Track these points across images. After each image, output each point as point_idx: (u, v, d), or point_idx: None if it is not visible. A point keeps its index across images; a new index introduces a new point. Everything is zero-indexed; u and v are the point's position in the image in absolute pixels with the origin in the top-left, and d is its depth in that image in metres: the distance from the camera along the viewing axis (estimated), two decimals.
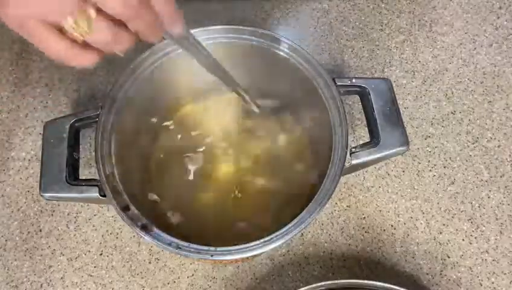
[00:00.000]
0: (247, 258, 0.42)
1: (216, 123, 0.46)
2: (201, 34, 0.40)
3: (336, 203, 0.46)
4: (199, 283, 0.43)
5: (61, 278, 0.43)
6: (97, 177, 0.36)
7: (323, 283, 0.39)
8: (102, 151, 0.37)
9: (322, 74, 0.39)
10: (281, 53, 0.40)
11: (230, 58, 0.43)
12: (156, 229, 0.34)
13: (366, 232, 0.45)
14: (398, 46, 0.53)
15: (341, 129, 0.37)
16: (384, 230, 0.45)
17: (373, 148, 0.37)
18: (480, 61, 0.53)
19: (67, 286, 0.43)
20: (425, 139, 0.49)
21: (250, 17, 0.54)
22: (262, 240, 0.33)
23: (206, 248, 0.33)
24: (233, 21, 0.54)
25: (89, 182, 0.36)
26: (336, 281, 0.39)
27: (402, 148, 0.38)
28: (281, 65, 0.41)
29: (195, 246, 0.33)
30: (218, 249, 0.33)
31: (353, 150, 0.37)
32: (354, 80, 0.39)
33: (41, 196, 0.36)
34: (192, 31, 0.39)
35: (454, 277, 0.43)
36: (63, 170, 0.36)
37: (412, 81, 0.52)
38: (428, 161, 0.48)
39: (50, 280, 0.43)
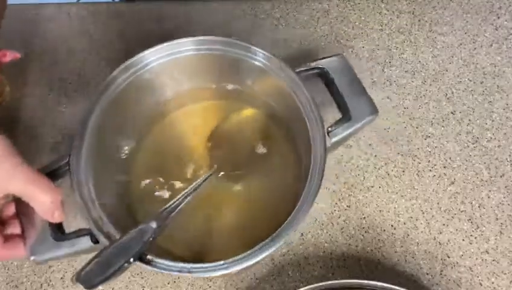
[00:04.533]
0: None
1: (193, 135, 0.46)
2: (171, 48, 0.40)
3: (336, 203, 0.46)
4: (199, 283, 0.43)
5: (61, 278, 0.43)
6: (83, 225, 0.35)
7: (323, 283, 0.39)
8: (84, 198, 0.35)
9: (292, 77, 0.39)
10: (256, 62, 0.40)
11: (202, 69, 0.43)
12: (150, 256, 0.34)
13: (366, 232, 0.45)
14: (398, 46, 0.53)
15: (313, 113, 0.38)
16: (384, 230, 0.45)
17: (346, 123, 0.39)
18: (480, 61, 0.53)
19: (67, 286, 0.43)
20: (425, 139, 0.49)
21: (250, 17, 0.55)
22: (255, 248, 0.33)
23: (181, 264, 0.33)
24: (233, 21, 0.54)
25: (79, 233, 0.35)
26: (336, 281, 0.39)
27: (372, 116, 0.39)
28: (256, 73, 0.41)
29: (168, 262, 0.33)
30: (195, 266, 0.33)
31: (329, 129, 0.38)
32: (311, 64, 0.40)
33: (33, 261, 0.35)
34: (159, 46, 0.40)
35: (454, 276, 0.43)
36: (46, 228, 0.35)
37: (412, 81, 0.52)
38: (428, 161, 0.48)
39: (50, 280, 0.43)
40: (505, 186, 0.47)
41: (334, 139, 0.38)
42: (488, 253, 0.44)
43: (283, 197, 0.41)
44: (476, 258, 0.44)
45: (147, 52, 0.40)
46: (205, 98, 0.46)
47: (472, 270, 0.43)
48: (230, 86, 0.45)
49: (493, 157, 0.48)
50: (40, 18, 0.54)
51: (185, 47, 0.41)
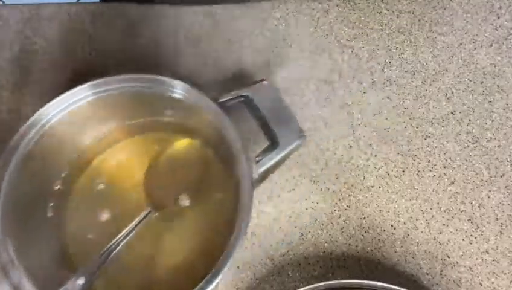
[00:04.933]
0: None
1: (126, 174, 0.43)
2: (78, 94, 0.39)
3: (336, 203, 0.46)
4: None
5: None
6: None
7: (323, 283, 0.39)
8: (2, 262, 0.34)
9: (213, 108, 0.38)
10: (176, 95, 0.39)
11: (120, 107, 0.41)
12: None
13: (366, 232, 0.45)
14: (398, 46, 0.53)
15: (238, 145, 0.37)
16: (384, 230, 0.45)
17: (274, 151, 0.38)
18: (480, 61, 0.53)
19: None
20: (425, 139, 0.49)
21: (250, 17, 0.54)
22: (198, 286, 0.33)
23: None
24: (232, 22, 0.54)
25: None
26: (336, 281, 0.39)
27: (300, 141, 0.39)
28: (180, 106, 0.40)
29: None
30: None
31: (257, 159, 0.37)
32: (234, 92, 0.39)
33: None
34: (61, 97, 0.38)
35: (454, 276, 0.43)
36: None
37: (412, 81, 0.52)
38: (428, 161, 0.48)
39: None
40: (505, 186, 0.47)
41: (261, 169, 0.37)
42: (488, 253, 0.44)
43: (223, 229, 0.39)
44: (476, 258, 0.44)
45: (49, 104, 0.38)
46: (133, 134, 0.44)
47: (472, 270, 0.43)
48: (159, 119, 0.43)
49: (493, 157, 0.48)
50: (40, 18, 0.54)
51: (90, 91, 0.39)
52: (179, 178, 0.43)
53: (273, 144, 0.38)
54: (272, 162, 0.38)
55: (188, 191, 0.42)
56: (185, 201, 0.42)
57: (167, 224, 0.42)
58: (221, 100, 0.39)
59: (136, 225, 0.38)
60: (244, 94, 0.40)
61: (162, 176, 0.43)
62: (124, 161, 0.44)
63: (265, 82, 0.40)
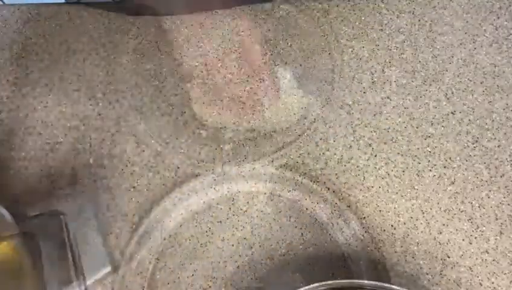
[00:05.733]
0: None
1: None
2: None
3: (336, 203, 0.46)
4: (199, 282, 0.43)
5: None
6: None
7: (323, 283, 0.39)
8: None
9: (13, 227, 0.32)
10: None
11: None
12: None
13: (366, 232, 0.45)
14: (398, 46, 0.53)
15: (34, 272, 0.31)
16: (384, 230, 0.45)
17: (76, 281, 0.33)
18: (480, 61, 0.53)
19: None
20: (425, 139, 0.49)
21: (250, 17, 0.55)
22: None
23: None
24: (232, 22, 0.54)
25: None
26: (336, 281, 0.39)
27: (106, 271, 0.34)
28: None
29: None
30: None
31: None
32: (43, 207, 0.35)
33: None
34: None
35: (454, 276, 0.43)
36: None
37: (412, 81, 0.52)
38: (428, 161, 0.48)
39: None
40: (505, 186, 0.47)
41: None
42: (488, 253, 0.44)
43: None
44: (476, 258, 0.44)
45: None
46: None
47: (472, 270, 0.43)
48: None
49: (493, 157, 0.48)
50: (40, 18, 0.54)
51: None
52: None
53: (76, 273, 0.33)
54: None
55: None
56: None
57: None
58: (31, 215, 0.34)
59: None
60: (26, 231, 0.33)
61: None
62: None
63: (55, 215, 0.35)
